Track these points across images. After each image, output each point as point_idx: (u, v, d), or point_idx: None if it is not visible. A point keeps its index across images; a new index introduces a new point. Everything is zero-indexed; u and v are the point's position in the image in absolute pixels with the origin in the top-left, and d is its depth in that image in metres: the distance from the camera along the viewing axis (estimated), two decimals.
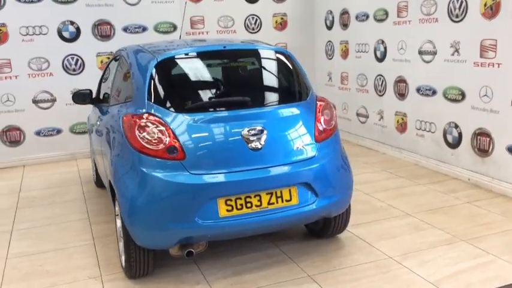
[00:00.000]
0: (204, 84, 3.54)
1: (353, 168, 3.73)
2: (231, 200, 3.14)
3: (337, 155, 3.52)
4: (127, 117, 3.25)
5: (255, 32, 7.71)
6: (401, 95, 6.14)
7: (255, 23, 7.70)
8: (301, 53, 7.95)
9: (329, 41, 7.66)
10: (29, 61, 6.60)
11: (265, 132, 3.22)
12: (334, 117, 3.56)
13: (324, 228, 3.86)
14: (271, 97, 3.57)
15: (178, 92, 3.39)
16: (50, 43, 6.63)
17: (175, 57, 3.48)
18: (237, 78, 3.71)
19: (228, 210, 3.13)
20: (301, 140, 3.34)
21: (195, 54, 3.60)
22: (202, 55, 3.60)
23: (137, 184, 3.11)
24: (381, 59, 6.46)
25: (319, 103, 3.53)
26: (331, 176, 3.43)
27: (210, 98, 3.48)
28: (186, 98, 3.37)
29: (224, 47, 3.59)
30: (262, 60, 3.75)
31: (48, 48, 6.63)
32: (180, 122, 3.15)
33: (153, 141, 3.08)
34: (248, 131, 3.18)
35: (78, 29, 6.77)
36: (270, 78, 3.73)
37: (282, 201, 3.26)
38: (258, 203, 3.20)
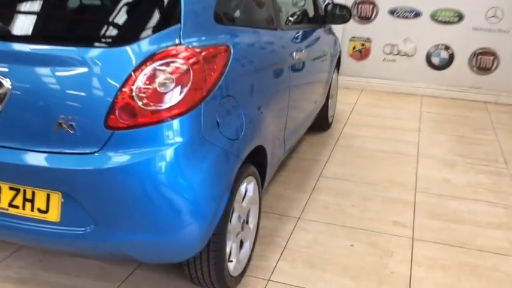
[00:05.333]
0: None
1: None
2: None
3: (164, 160, 1.81)
4: None
5: None
6: None
7: None
8: None
9: None
10: None
11: (7, 86, 1.86)
12: (180, 90, 1.84)
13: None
14: (73, 31, 2.02)
15: None
16: None
17: None
18: None
19: None
20: (76, 118, 1.83)
21: None
22: None
23: None
24: None
25: (154, 55, 1.84)
26: (126, 196, 1.83)
27: None
28: None
29: None
30: None
31: None
32: None
33: None
34: None
35: None
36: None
37: (33, 210, 1.93)
38: None
